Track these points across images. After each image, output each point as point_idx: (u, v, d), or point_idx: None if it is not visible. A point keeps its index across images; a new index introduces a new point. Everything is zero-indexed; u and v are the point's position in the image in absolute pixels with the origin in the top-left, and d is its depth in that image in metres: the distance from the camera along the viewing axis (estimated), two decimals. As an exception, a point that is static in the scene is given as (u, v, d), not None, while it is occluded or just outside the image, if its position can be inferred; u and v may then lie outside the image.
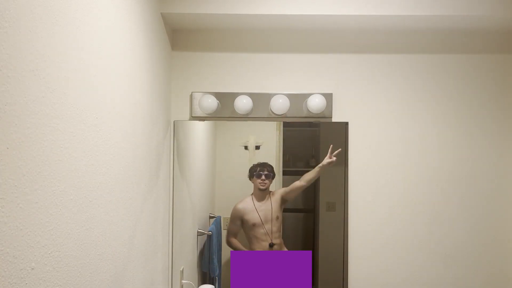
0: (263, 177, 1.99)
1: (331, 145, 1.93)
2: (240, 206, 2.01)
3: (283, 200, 2.00)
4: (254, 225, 1.99)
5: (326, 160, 1.94)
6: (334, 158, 1.94)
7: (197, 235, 1.97)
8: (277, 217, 1.99)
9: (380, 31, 1.93)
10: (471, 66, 1.95)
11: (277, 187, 2.01)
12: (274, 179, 2.00)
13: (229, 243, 2.03)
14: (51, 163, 0.83)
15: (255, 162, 2.00)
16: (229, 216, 2.01)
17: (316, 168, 1.96)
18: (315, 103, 1.86)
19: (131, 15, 1.34)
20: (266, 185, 1.99)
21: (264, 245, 1.98)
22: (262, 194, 1.99)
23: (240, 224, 2.01)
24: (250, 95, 1.89)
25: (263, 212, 1.98)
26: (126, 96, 1.30)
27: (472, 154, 1.94)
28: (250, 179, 2.00)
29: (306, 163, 2.03)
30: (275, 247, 1.98)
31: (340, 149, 1.93)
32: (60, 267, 0.88)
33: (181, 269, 1.92)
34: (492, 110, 1.95)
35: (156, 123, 1.67)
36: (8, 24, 0.69)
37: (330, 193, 2.00)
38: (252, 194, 2.01)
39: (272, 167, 1.99)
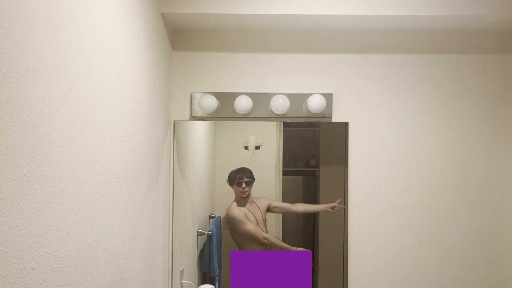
0: (243, 185, 1.97)
1: (339, 199, 1.95)
2: (237, 211, 1.97)
3: (268, 208, 2.00)
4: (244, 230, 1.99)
5: (332, 204, 1.95)
6: (337, 205, 1.95)
7: (197, 235, 1.97)
8: (265, 220, 1.99)
9: (380, 31, 1.93)
10: (471, 66, 1.95)
11: (277, 187, 2.00)
12: (274, 179, 2.00)
13: (266, 239, 1.98)
14: (51, 163, 0.83)
15: (234, 169, 1.97)
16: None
17: (319, 207, 1.96)
18: (315, 103, 1.86)
19: (131, 15, 1.34)
20: (247, 192, 1.98)
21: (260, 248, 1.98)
22: (244, 200, 1.99)
23: (234, 229, 1.99)
24: (250, 95, 1.89)
25: (255, 215, 1.98)
26: (126, 96, 1.30)
27: (473, 154, 1.94)
28: (230, 186, 1.98)
29: (306, 163, 2.03)
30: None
31: (340, 199, 1.95)
32: (60, 267, 0.88)
33: (181, 269, 1.92)
34: (493, 110, 1.95)
35: (156, 123, 1.67)
36: (8, 24, 0.69)
37: (330, 193, 2.00)
38: (235, 201, 1.99)
39: (251, 172, 1.97)
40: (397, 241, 1.94)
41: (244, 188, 1.97)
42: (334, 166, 1.99)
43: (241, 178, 1.97)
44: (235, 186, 1.98)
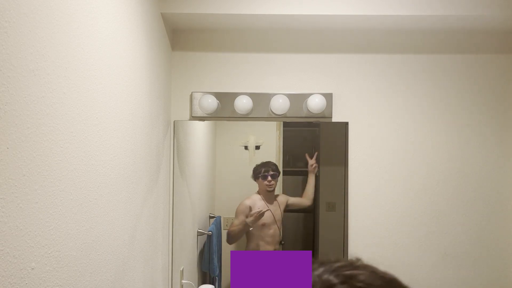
0: (269, 178, 1.95)
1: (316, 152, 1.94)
2: (249, 202, 1.96)
3: (287, 205, 1.99)
4: (263, 225, 1.97)
5: (312, 163, 1.96)
6: (314, 163, 1.95)
7: (197, 235, 1.97)
8: (282, 220, 1.98)
9: (380, 31, 1.93)
10: (471, 66, 1.95)
11: (277, 187, 2.00)
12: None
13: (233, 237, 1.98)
14: (51, 163, 0.83)
15: (258, 162, 1.96)
16: (229, 216, 2.01)
17: (310, 180, 1.96)
18: (315, 103, 1.85)
19: (131, 15, 1.34)
20: (273, 186, 1.96)
21: (269, 248, 1.96)
22: (269, 194, 1.98)
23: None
24: (250, 95, 1.89)
25: (274, 212, 1.97)
26: (126, 96, 1.30)
27: (473, 154, 1.94)
28: (254, 180, 1.98)
29: (306, 163, 2.03)
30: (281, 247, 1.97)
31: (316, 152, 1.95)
32: (60, 267, 0.88)
33: (181, 269, 1.92)
34: (493, 110, 1.94)
35: (156, 123, 1.67)
36: (8, 24, 0.69)
37: (330, 193, 2.01)
38: (258, 193, 1.98)
39: (276, 165, 1.96)
40: (397, 241, 1.94)
41: (271, 181, 1.95)
42: (334, 166, 1.99)
43: (266, 171, 1.94)
44: (260, 180, 1.95)
